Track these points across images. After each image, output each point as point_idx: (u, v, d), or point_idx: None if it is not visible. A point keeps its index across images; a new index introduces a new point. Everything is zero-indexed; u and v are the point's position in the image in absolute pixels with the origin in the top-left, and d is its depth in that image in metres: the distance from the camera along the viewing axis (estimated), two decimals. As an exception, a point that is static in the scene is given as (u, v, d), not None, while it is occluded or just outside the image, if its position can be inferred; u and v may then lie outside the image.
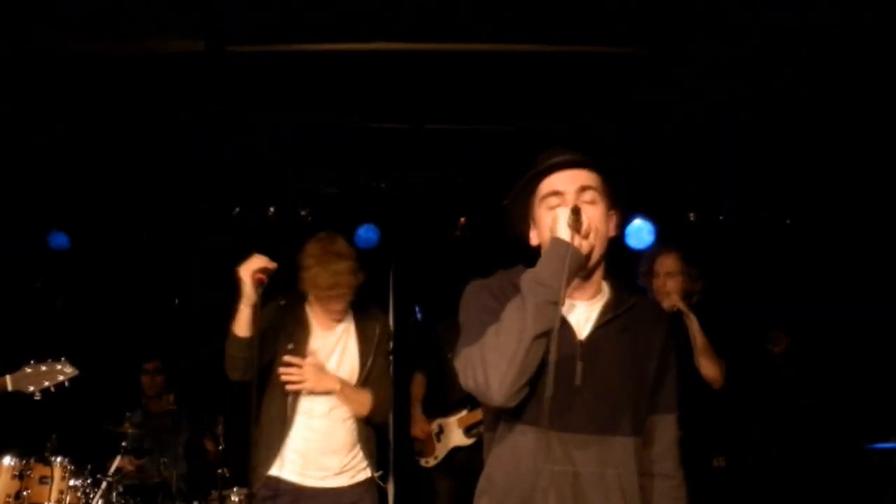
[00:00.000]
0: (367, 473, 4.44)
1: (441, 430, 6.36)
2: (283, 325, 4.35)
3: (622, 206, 2.82)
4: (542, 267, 2.58)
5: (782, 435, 6.87)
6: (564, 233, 2.57)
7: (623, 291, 2.85)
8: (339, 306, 4.37)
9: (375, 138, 6.75)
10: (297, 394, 4.28)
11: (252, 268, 4.02)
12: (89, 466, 5.46)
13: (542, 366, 2.62)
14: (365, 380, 4.42)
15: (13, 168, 6.93)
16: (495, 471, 2.77)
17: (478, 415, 6.09)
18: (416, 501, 6.96)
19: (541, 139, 6.38)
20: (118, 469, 5.87)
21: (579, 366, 2.68)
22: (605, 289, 2.83)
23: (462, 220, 7.87)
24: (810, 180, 7.13)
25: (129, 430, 6.16)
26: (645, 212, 7.37)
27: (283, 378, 4.23)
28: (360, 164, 7.39)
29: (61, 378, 4.59)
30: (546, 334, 2.53)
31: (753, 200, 7.64)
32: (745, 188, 7.49)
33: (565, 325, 2.70)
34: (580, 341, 2.71)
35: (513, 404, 2.59)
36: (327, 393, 4.30)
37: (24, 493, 5.03)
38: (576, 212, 2.57)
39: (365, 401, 4.38)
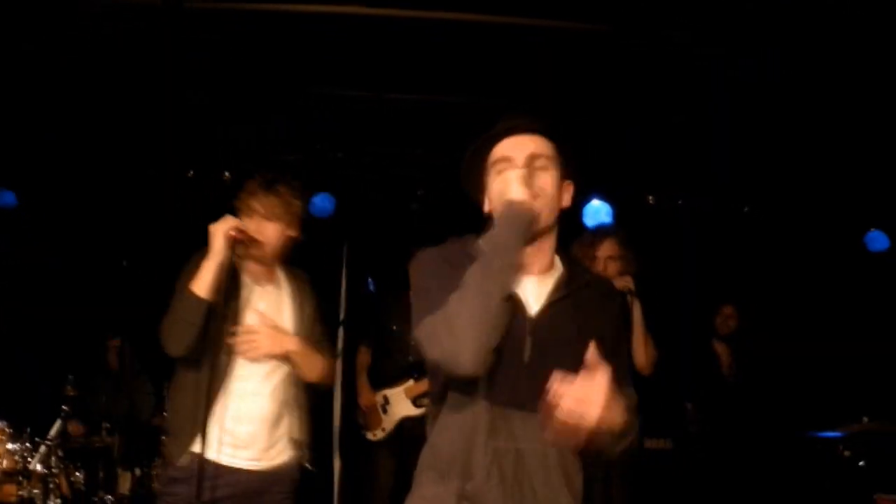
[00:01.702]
0: (291, 453, 4.10)
1: (387, 401, 6.32)
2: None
3: (577, 177, 2.77)
4: (500, 229, 2.53)
5: (721, 420, 6.91)
6: (517, 192, 2.53)
7: (577, 269, 2.81)
8: (273, 233, 4.00)
9: (335, 106, 6.67)
10: (227, 358, 3.91)
11: (226, 225, 3.79)
12: (28, 430, 5.35)
13: None
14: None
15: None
16: (439, 444, 2.72)
17: (424, 385, 6.05)
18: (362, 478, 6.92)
19: (500, 112, 6.34)
20: (62, 433, 5.76)
21: (528, 341, 2.64)
22: (558, 264, 2.79)
23: (419, 192, 7.82)
24: (771, 167, 7.17)
25: (71, 394, 6.05)
26: (603, 193, 7.37)
27: (238, 346, 3.90)
28: (318, 132, 7.30)
29: None
30: (510, 297, 2.49)
31: (714, 185, 7.67)
32: (705, 172, 7.51)
33: (515, 302, 2.65)
34: (530, 317, 2.66)
35: (482, 372, 2.53)
36: (278, 357, 3.99)
37: (-40, 455, 4.94)
38: (520, 174, 2.54)
39: (318, 364, 4.13)
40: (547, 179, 2.64)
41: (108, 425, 6.57)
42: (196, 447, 3.87)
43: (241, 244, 3.86)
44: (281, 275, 4.20)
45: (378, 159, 7.56)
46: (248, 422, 3.94)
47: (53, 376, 6.62)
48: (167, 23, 5.07)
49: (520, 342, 2.63)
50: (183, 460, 3.89)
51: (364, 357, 6.57)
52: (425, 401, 6.06)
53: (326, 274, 8.04)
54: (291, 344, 4.01)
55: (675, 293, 7.24)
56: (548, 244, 2.73)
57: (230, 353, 3.92)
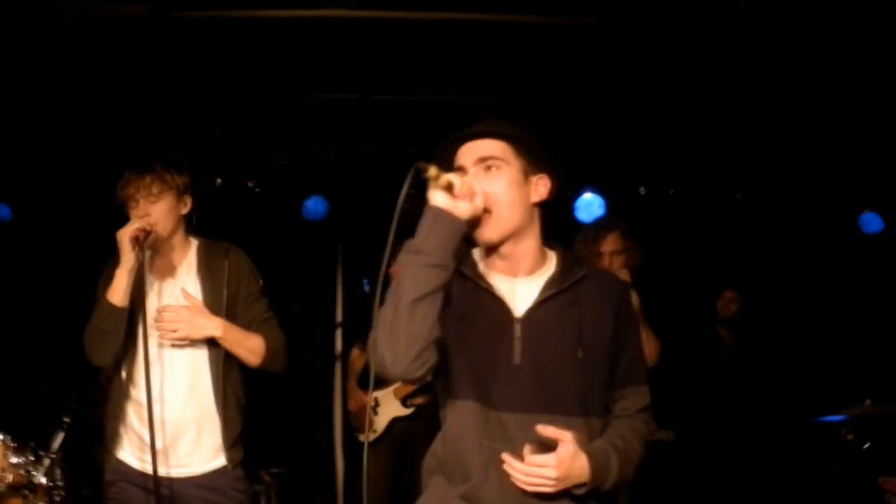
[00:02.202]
0: (223, 458, 3.92)
1: (377, 403, 6.34)
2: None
3: (552, 168, 2.75)
4: (418, 233, 2.55)
5: (727, 408, 6.92)
6: (436, 197, 2.55)
7: (572, 263, 2.78)
8: (161, 212, 3.83)
9: (324, 109, 6.67)
10: (137, 356, 3.79)
11: (129, 229, 3.68)
12: (32, 443, 5.34)
13: (476, 344, 2.62)
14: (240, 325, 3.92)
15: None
16: (442, 448, 2.73)
17: (412, 385, 6.08)
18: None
19: (489, 109, 6.35)
20: (62, 445, 5.75)
21: (517, 343, 2.64)
22: (551, 260, 2.78)
23: (412, 192, 7.81)
24: (761, 155, 7.19)
25: (73, 406, 6.04)
26: (595, 185, 7.38)
27: (157, 326, 3.74)
28: (308, 135, 7.30)
29: None
30: (427, 296, 2.47)
31: (705, 175, 7.68)
32: (696, 163, 7.52)
33: (499, 304, 2.66)
34: (517, 318, 2.66)
35: (416, 375, 2.53)
36: (197, 344, 3.82)
37: (-36, 471, 4.92)
38: (432, 175, 2.54)
39: (256, 346, 3.89)
40: (499, 181, 2.63)
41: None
42: (123, 455, 3.88)
43: (145, 241, 3.74)
44: (191, 258, 4.01)
45: (369, 160, 7.56)
46: (165, 428, 3.81)
47: (53, 388, 6.63)
48: (156, 32, 5.06)
49: (508, 344, 2.64)
50: (111, 468, 3.92)
51: (357, 359, 6.58)
52: (416, 400, 6.15)
53: (321, 276, 8.06)
54: (213, 327, 3.81)
55: (674, 283, 7.26)
56: (528, 242, 2.72)
57: (142, 356, 3.76)
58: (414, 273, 2.49)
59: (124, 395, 3.87)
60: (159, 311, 3.79)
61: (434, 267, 2.48)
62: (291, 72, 6.02)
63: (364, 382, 6.46)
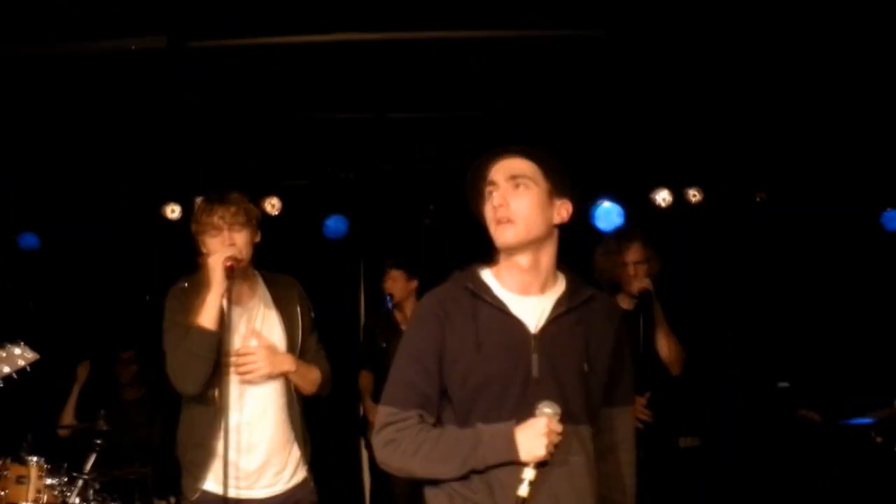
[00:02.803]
0: (304, 473, 4.07)
1: None
2: (192, 311, 3.85)
3: (574, 194, 2.88)
4: (481, 449, 2.68)
5: (754, 413, 6.93)
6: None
7: (579, 285, 2.90)
8: (243, 242, 3.90)
9: (341, 129, 6.75)
10: (225, 384, 3.87)
11: (222, 256, 3.76)
12: (65, 465, 5.45)
13: (490, 363, 2.73)
14: (300, 354, 4.03)
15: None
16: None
17: None
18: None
19: (504, 124, 6.42)
20: (95, 466, 5.85)
21: (534, 358, 2.74)
22: (560, 281, 2.89)
23: (431, 207, 7.89)
24: (783, 159, 7.20)
25: (104, 428, 6.14)
26: (613, 194, 7.41)
27: (236, 370, 3.84)
28: (326, 155, 7.39)
29: (22, 363, 4.12)
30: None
31: (725, 180, 7.69)
32: (716, 168, 7.53)
33: (513, 322, 2.77)
34: (534, 334, 2.77)
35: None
36: (275, 377, 3.93)
37: (2, 493, 5.02)
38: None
39: (315, 377, 4.05)
40: (526, 198, 2.77)
41: (140, 456, 6.66)
42: (208, 484, 3.90)
43: (237, 269, 3.82)
44: (261, 287, 4.09)
45: (388, 178, 7.64)
46: (256, 452, 3.93)
47: (82, 411, 6.73)
48: (174, 61, 5.17)
49: (526, 359, 2.74)
50: (195, 497, 3.92)
51: (365, 380, 6.69)
52: None
53: (344, 294, 8.13)
54: (288, 364, 3.94)
55: (695, 288, 7.28)
56: (543, 260, 2.84)
57: (227, 383, 3.87)
58: (455, 470, 2.70)
59: (210, 423, 3.90)
60: (238, 353, 3.87)
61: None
62: (308, 94, 6.11)
63: (376, 396, 6.56)
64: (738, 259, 7.71)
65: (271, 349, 3.94)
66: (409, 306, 6.50)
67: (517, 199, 2.77)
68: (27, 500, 5.09)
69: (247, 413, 3.93)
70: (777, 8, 5.06)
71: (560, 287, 2.87)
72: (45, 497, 5.19)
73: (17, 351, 4.13)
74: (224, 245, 3.87)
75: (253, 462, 3.93)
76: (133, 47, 4.96)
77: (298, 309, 4.10)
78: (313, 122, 6.56)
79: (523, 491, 2.57)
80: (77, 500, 5.45)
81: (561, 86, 6.08)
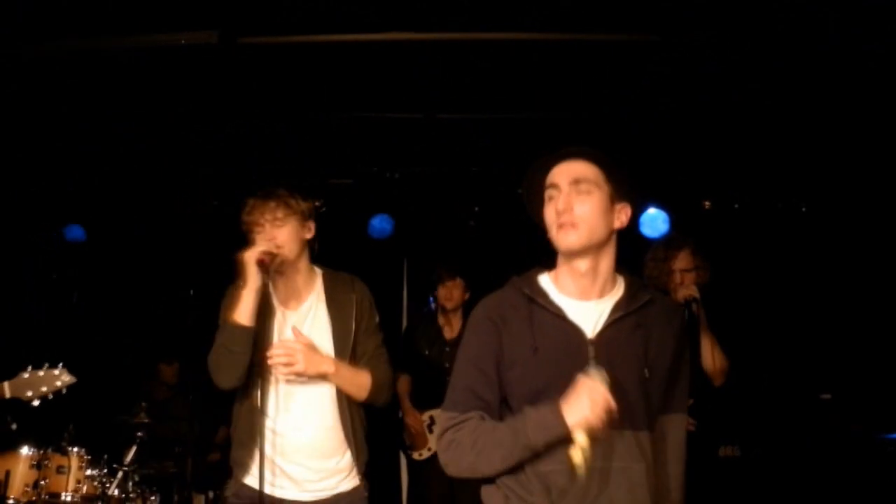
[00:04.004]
0: (355, 481, 4.03)
1: (433, 422, 6.45)
2: (231, 307, 3.88)
3: (634, 198, 2.88)
4: (533, 431, 2.68)
5: (793, 424, 6.86)
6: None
7: (638, 288, 2.90)
8: (287, 238, 3.92)
9: (389, 128, 6.75)
10: (267, 384, 3.89)
11: (255, 251, 3.77)
12: (105, 456, 5.49)
13: (548, 368, 2.73)
14: (352, 358, 3.98)
15: (29, 161, 6.97)
16: (508, 476, 2.81)
17: None
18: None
19: (552, 127, 6.40)
20: (135, 458, 5.89)
21: (592, 363, 2.72)
22: (619, 284, 2.89)
23: (476, 209, 7.88)
24: (826, 166, 7.12)
25: (145, 420, 6.18)
26: (659, 200, 7.38)
27: (271, 362, 3.81)
28: (373, 154, 7.40)
29: (59, 385, 4.43)
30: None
31: (768, 188, 7.62)
32: (758, 175, 7.47)
33: (570, 328, 2.78)
34: (591, 340, 2.77)
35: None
36: (316, 378, 3.89)
37: (42, 482, 5.08)
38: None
39: (364, 382, 3.96)
40: (589, 203, 2.76)
41: (179, 449, 6.70)
42: (248, 479, 3.90)
43: (271, 264, 3.81)
44: (319, 288, 4.07)
45: (433, 179, 7.63)
46: (299, 455, 3.92)
47: (123, 403, 6.78)
48: (225, 58, 5.19)
49: (582, 364, 2.72)
50: (235, 491, 3.95)
51: (404, 384, 6.68)
52: None
53: (388, 294, 8.13)
54: (327, 365, 3.89)
55: (740, 297, 7.22)
56: (603, 265, 2.83)
57: (268, 381, 3.89)
58: (515, 455, 2.70)
59: (251, 423, 3.91)
60: (274, 346, 3.85)
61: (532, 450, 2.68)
62: (357, 93, 6.11)
63: (418, 403, 6.57)
64: (782, 268, 7.65)
65: (310, 347, 3.90)
66: (457, 316, 6.49)
67: (580, 204, 2.75)
68: (67, 491, 5.16)
69: (291, 416, 3.91)
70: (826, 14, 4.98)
71: (619, 291, 2.87)
72: (85, 488, 5.25)
73: (56, 373, 4.43)
74: (265, 241, 3.88)
75: (295, 465, 3.92)
76: (183, 42, 4.96)
77: (354, 310, 4.04)
78: (361, 121, 6.56)
79: (577, 458, 2.56)
80: (116, 492, 5.50)
81: (611, 90, 6.03)
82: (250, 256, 3.78)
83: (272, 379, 3.90)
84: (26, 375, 4.43)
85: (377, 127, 6.70)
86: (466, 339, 2.88)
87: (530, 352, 2.73)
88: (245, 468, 3.92)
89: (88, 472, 5.30)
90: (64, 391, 4.45)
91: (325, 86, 5.96)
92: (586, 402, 2.56)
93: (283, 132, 6.80)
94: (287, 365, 3.82)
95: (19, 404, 4.42)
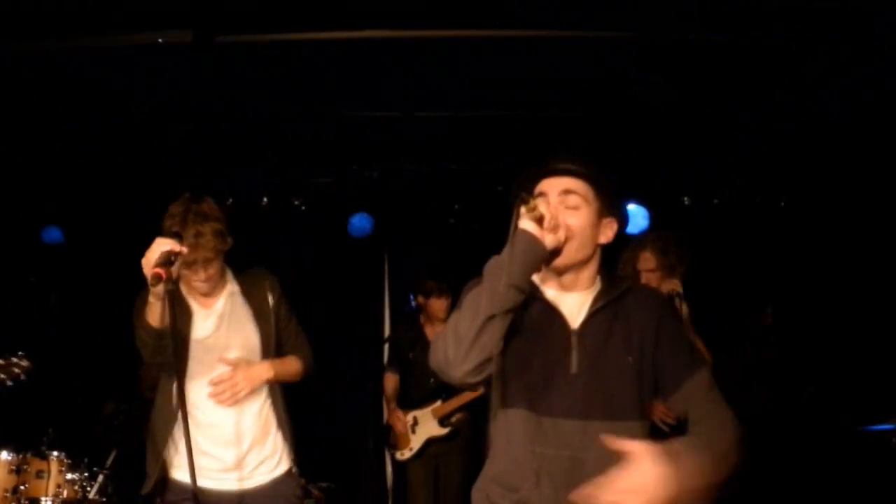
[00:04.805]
0: (288, 463, 4.11)
1: (416, 422, 6.47)
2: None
3: (621, 216, 2.91)
4: (504, 254, 2.65)
5: (774, 419, 6.88)
6: (526, 224, 2.65)
7: (616, 279, 2.94)
8: (202, 276, 3.86)
9: (367, 127, 6.74)
10: (191, 382, 3.92)
11: (150, 262, 3.37)
12: (86, 460, 5.45)
13: (532, 354, 2.74)
14: (279, 346, 4.09)
15: (6, 162, 6.92)
16: (495, 457, 2.84)
17: (451, 405, 6.41)
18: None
19: (531, 125, 6.40)
20: (115, 462, 5.85)
21: (574, 353, 2.75)
22: (598, 281, 2.91)
23: (456, 206, 7.88)
24: (806, 161, 7.15)
25: (125, 423, 6.15)
26: (638, 196, 7.39)
27: (217, 401, 3.86)
28: (352, 153, 7.38)
29: (18, 371, 4.40)
30: (503, 314, 2.59)
31: (747, 183, 7.65)
32: (738, 171, 7.50)
33: (556, 315, 2.80)
34: (574, 330, 2.79)
35: (472, 381, 2.64)
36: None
37: (22, 487, 5.01)
38: (525, 202, 2.65)
39: (296, 368, 4.11)
40: (577, 218, 2.77)
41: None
42: (178, 475, 3.92)
43: (169, 278, 3.39)
44: (230, 284, 4.09)
45: (413, 177, 7.63)
46: (238, 443, 3.94)
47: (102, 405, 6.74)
48: (200, 57, 5.16)
49: (565, 354, 2.76)
50: (170, 489, 3.95)
51: (390, 381, 6.73)
52: (451, 421, 6.41)
53: (369, 292, 8.13)
54: (266, 372, 3.96)
55: (720, 292, 7.24)
56: (585, 273, 2.86)
57: (193, 380, 3.92)
58: (494, 290, 2.60)
59: (173, 417, 3.93)
60: (213, 383, 3.88)
61: (515, 288, 2.61)
62: (334, 91, 6.09)
63: (403, 402, 6.60)
64: (763, 262, 7.67)
65: (245, 366, 3.94)
66: (441, 323, 6.50)
67: (570, 218, 2.76)
68: (47, 495, 5.09)
69: (219, 407, 3.92)
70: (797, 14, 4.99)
71: (598, 285, 2.89)
72: (66, 492, 5.19)
73: (14, 360, 4.41)
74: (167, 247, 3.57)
75: (232, 454, 3.93)
76: (160, 40, 4.93)
77: (270, 300, 4.10)
78: (339, 120, 6.55)
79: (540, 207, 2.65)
80: (97, 496, 5.45)
81: (590, 87, 6.04)
82: (145, 267, 3.41)
83: (195, 374, 3.93)
84: None
85: (356, 125, 6.69)
86: (459, 303, 2.84)
87: (514, 333, 2.72)
88: (172, 463, 3.94)
89: (69, 476, 5.25)
90: (23, 377, 4.40)
91: (304, 84, 5.94)
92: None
93: (262, 132, 6.77)
94: (233, 396, 3.87)
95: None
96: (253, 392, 3.94)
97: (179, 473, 3.92)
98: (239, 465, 3.95)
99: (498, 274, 2.60)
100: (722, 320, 6.52)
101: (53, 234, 7.83)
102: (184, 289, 3.98)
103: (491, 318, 2.58)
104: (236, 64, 5.52)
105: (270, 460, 4.03)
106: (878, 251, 7.50)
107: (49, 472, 5.14)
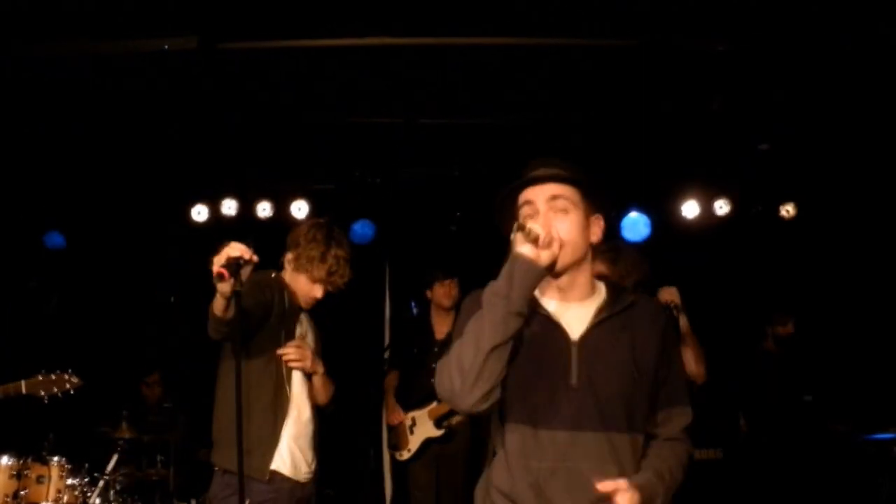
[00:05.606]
0: (315, 464, 4.39)
1: (414, 423, 6.47)
2: (273, 303, 4.19)
3: (607, 211, 2.90)
4: (501, 280, 2.64)
5: (773, 426, 6.88)
6: (523, 247, 2.64)
7: (621, 291, 2.91)
8: (319, 295, 4.33)
9: (370, 134, 6.75)
10: (283, 379, 4.18)
11: (219, 261, 3.61)
12: (86, 465, 5.45)
13: (533, 367, 2.73)
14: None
15: (8, 167, 6.92)
16: (494, 465, 2.83)
17: (446, 406, 6.22)
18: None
19: (533, 131, 6.40)
20: (116, 467, 5.85)
21: (574, 365, 2.73)
22: (601, 289, 2.89)
23: (457, 213, 7.88)
24: (812, 169, 7.14)
25: (127, 435, 6.17)
26: (640, 204, 7.39)
27: (286, 357, 4.17)
28: (355, 159, 7.39)
29: (68, 387, 4.93)
30: (505, 343, 2.61)
31: (752, 190, 7.64)
32: (742, 178, 7.49)
33: (556, 328, 2.78)
34: (574, 342, 2.77)
35: (481, 409, 2.65)
36: (307, 376, 4.28)
37: (22, 492, 5.02)
38: (521, 228, 2.65)
39: (331, 390, 4.41)
40: (567, 222, 2.76)
41: (161, 458, 6.66)
42: (276, 465, 4.11)
43: (231, 276, 3.64)
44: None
45: (415, 183, 7.63)
46: (308, 438, 4.26)
47: (108, 412, 6.74)
48: (204, 63, 5.18)
49: (565, 366, 2.74)
50: (260, 476, 4.06)
51: (391, 379, 6.75)
52: (447, 422, 6.39)
53: (370, 300, 8.12)
54: (320, 367, 4.32)
55: (721, 299, 7.24)
56: (581, 276, 2.84)
57: (283, 376, 4.18)
58: (496, 321, 2.61)
59: (275, 404, 4.16)
60: (290, 344, 4.21)
61: (517, 315, 2.61)
62: (338, 97, 6.10)
63: (403, 402, 6.59)
64: (764, 270, 7.67)
65: (313, 351, 4.31)
66: (451, 317, 6.48)
67: (560, 224, 2.75)
68: (47, 500, 5.10)
69: (303, 401, 4.25)
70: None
71: (600, 295, 2.87)
72: (66, 497, 5.20)
73: (66, 377, 4.97)
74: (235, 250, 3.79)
75: (308, 449, 4.26)
76: (165, 47, 4.95)
77: (316, 332, 4.50)
78: (342, 126, 6.55)
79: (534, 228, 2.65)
80: (98, 501, 5.46)
81: (592, 95, 6.04)
82: (215, 266, 3.62)
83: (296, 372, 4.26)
84: (41, 377, 4.88)
85: (359, 132, 6.70)
86: (460, 321, 2.84)
87: (514, 346, 2.71)
88: (277, 453, 4.13)
89: (69, 481, 5.25)
90: (72, 392, 4.95)
91: (307, 91, 5.94)
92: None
93: (265, 138, 6.78)
94: (297, 361, 4.19)
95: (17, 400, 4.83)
96: (304, 370, 4.24)
97: (276, 465, 4.12)
98: (307, 459, 4.25)
99: (497, 303, 2.61)
100: (722, 330, 6.52)
101: (55, 239, 7.83)
102: (285, 292, 4.30)
103: (497, 346, 2.60)
104: (240, 71, 5.54)
105: (315, 461, 4.32)
106: (877, 260, 7.50)
107: (49, 477, 5.15)
